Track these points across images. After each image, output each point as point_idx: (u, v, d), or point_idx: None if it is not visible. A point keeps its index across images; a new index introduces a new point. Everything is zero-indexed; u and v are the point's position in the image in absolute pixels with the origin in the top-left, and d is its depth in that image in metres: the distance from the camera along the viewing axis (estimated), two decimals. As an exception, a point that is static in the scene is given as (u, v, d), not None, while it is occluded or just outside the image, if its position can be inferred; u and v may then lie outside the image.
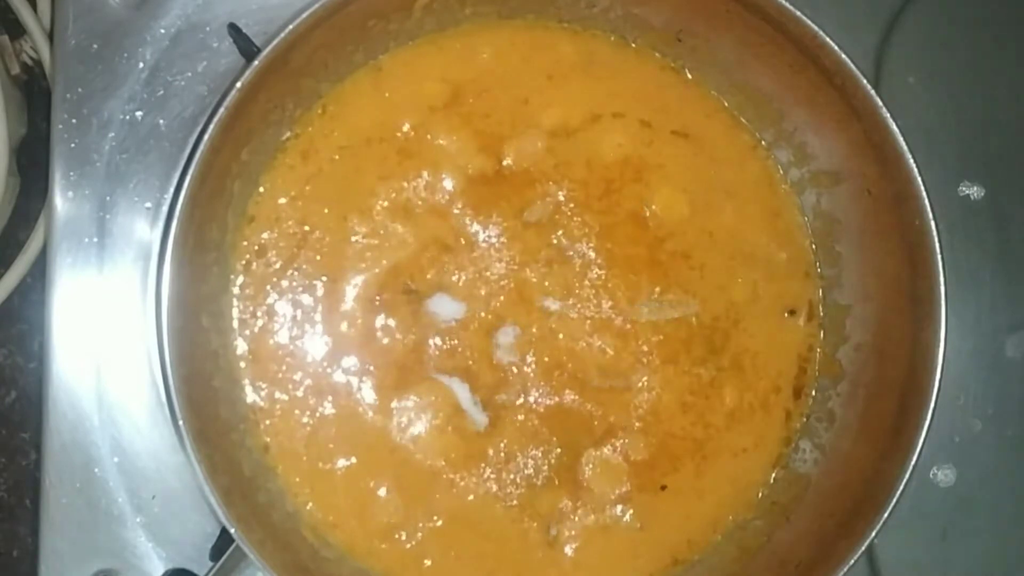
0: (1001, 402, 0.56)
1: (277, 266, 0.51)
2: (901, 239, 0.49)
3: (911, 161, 0.47)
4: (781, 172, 0.54)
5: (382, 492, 0.51)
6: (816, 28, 0.47)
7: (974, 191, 0.56)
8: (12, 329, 0.61)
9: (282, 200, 0.51)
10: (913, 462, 0.46)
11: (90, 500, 0.51)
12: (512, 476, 0.52)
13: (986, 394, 0.56)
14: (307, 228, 0.51)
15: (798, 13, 0.47)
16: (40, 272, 0.56)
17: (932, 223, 0.47)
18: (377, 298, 0.51)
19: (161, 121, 0.53)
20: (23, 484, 0.61)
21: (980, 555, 0.55)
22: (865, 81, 0.47)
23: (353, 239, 0.51)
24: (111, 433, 0.52)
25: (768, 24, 0.49)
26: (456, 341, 0.52)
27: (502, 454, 0.51)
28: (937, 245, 0.47)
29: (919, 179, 0.47)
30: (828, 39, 0.47)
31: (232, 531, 0.45)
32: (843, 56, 0.47)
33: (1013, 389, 0.56)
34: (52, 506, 0.51)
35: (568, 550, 0.52)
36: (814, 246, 0.54)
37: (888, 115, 0.47)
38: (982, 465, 0.55)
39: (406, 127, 0.52)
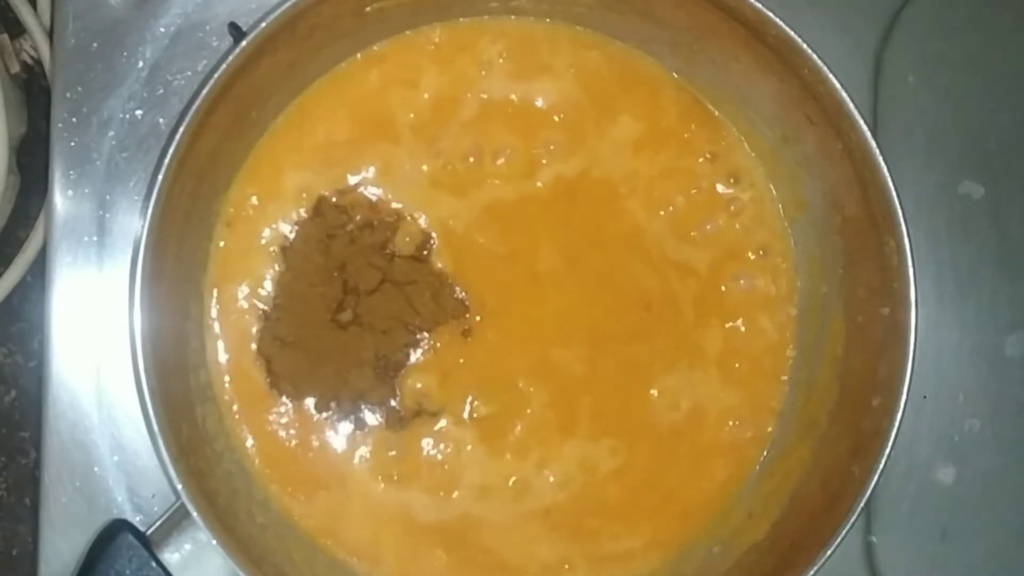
0: (1001, 401, 0.56)
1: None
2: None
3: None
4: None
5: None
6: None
7: (974, 190, 0.56)
8: (12, 328, 0.61)
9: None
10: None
11: (90, 499, 0.51)
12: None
13: (986, 393, 0.56)
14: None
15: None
16: (40, 271, 0.56)
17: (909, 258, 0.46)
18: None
19: (161, 120, 0.53)
20: (23, 483, 0.61)
21: (980, 555, 0.55)
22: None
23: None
24: (111, 432, 0.52)
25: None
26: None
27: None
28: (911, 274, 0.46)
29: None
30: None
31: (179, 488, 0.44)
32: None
33: (1013, 388, 0.56)
34: (52, 505, 0.51)
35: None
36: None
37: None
38: (982, 465, 0.55)
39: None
